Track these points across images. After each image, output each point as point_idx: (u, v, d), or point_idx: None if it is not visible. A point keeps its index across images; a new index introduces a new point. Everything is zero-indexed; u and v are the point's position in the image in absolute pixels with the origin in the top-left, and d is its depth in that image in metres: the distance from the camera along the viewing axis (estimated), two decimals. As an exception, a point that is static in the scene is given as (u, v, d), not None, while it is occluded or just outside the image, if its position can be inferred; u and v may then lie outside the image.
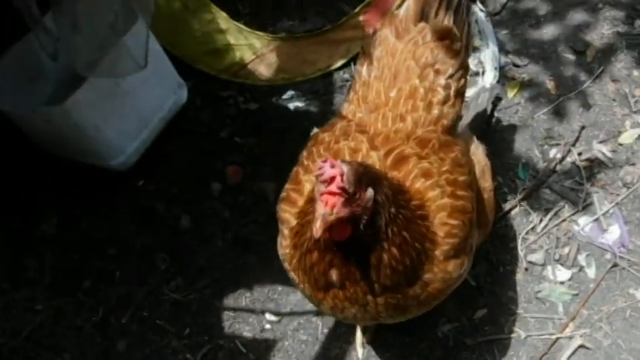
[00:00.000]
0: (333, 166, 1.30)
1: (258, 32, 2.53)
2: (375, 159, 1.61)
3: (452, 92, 1.76)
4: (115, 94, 2.11)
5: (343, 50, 2.57)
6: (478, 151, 1.90)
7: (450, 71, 1.77)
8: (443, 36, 1.79)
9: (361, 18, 2.55)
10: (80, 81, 2.08)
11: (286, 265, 1.64)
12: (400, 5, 1.88)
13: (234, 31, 2.50)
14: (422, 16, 1.81)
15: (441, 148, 1.66)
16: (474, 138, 1.94)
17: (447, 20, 1.81)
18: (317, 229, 1.29)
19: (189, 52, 2.49)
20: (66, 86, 2.19)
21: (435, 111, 1.72)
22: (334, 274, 1.48)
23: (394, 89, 1.74)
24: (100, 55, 1.94)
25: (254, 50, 2.51)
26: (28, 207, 2.39)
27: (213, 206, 2.31)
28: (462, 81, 1.81)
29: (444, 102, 1.74)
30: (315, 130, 1.82)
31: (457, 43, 1.81)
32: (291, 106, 2.50)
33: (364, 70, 1.80)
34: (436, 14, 1.81)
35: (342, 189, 1.29)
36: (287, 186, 1.70)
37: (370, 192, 1.36)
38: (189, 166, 2.39)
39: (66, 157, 2.33)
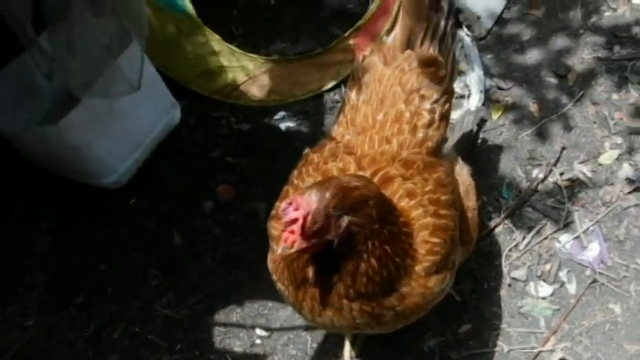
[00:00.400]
0: (297, 208, 1.38)
1: (250, 54, 2.61)
2: None
3: (436, 116, 1.83)
4: (108, 115, 2.17)
5: (333, 72, 2.65)
6: (463, 172, 1.98)
7: (435, 96, 1.85)
8: (428, 63, 1.87)
9: (351, 42, 2.64)
10: (74, 101, 2.14)
11: (274, 276, 1.71)
12: (389, 32, 1.96)
13: (227, 53, 2.58)
14: (408, 44, 1.89)
15: (425, 169, 1.74)
16: (459, 159, 2.02)
17: (432, 49, 1.89)
18: (278, 256, 1.36)
19: (183, 74, 2.56)
20: (60, 105, 2.24)
21: (420, 134, 1.79)
22: (310, 272, 1.54)
23: (381, 113, 1.81)
24: (95, 77, 2.00)
25: (246, 72, 2.59)
26: (19, 222, 2.43)
27: (205, 224, 2.37)
28: (447, 105, 1.89)
29: (429, 125, 1.81)
30: (307, 150, 1.90)
31: (442, 70, 1.89)
32: (283, 126, 2.57)
33: (353, 94, 1.88)
34: (422, 43, 1.89)
35: (303, 229, 1.38)
36: (277, 204, 1.77)
37: (344, 219, 1.43)
38: (182, 184, 2.45)
39: (59, 175, 2.39)
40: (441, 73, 1.89)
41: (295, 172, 1.80)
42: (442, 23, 1.91)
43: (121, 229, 2.38)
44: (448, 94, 1.90)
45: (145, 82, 2.08)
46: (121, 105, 2.15)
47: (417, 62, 1.87)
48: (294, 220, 1.38)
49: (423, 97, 1.83)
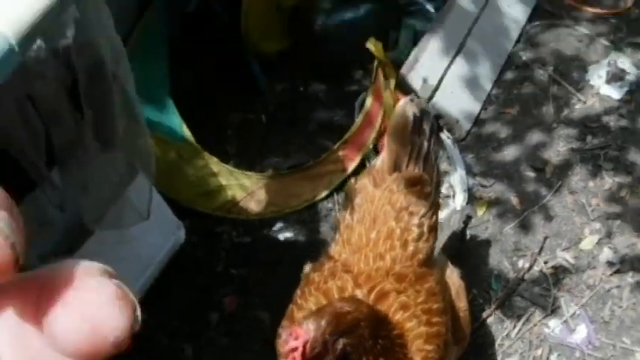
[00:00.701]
0: (296, 338, 1.54)
1: (247, 172, 2.82)
2: (360, 297, 1.84)
3: (425, 229, 2.01)
4: (119, 243, 2.35)
5: (326, 182, 2.85)
6: (453, 275, 2.15)
7: (423, 211, 2.03)
8: (414, 183, 2.06)
9: (340, 153, 2.85)
10: (87, 230, 2.32)
11: None
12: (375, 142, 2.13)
13: (225, 173, 2.78)
14: (395, 167, 2.09)
15: (417, 280, 1.90)
16: (449, 263, 2.18)
17: (417, 169, 2.09)
18: None
19: (185, 195, 2.76)
20: (73, 235, 2.43)
21: (411, 247, 1.96)
22: None
23: (374, 231, 1.99)
24: (106, 210, 2.19)
25: (244, 189, 2.79)
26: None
27: (212, 336, 2.51)
28: (434, 218, 2.07)
29: (419, 239, 1.99)
30: (307, 267, 2.06)
31: (427, 187, 2.08)
32: (281, 237, 2.75)
33: (347, 215, 2.07)
34: (407, 165, 2.09)
35: (303, 356, 1.53)
36: (283, 323, 1.93)
37: (340, 342, 1.59)
38: (188, 300, 2.60)
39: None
40: (427, 190, 2.07)
41: (299, 292, 1.96)
42: (425, 144, 2.12)
43: (133, 348, 2.51)
44: (434, 207, 2.09)
45: (152, 209, 2.26)
46: (131, 232, 2.31)
47: (404, 183, 2.06)
48: (295, 349, 1.54)
49: (411, 214, 2.01)
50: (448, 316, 1.92)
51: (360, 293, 1.84)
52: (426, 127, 2.12)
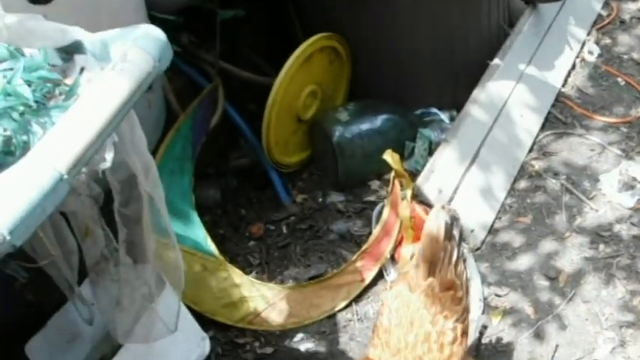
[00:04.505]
0: None
1: (268, 284, 3.10)
2: None
3: (458, 333, 2.29)
4: (147, 355, 2.60)
5: (344, 293, 3.12)
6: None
7: (456, 316, 2.30)
8: (447, 287, 2.34)
9: (358, 264, 3.13)
10: (115, 344, 2.57)
11: None
12: (392, 252, 2.41)
13: (247, 284, 3.06)
14: (429, 272, 2.36)
15: None
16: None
17: (449, 274, 2.36)
18: None
19: (209, 307, 3.03)
20: (102, 348, 2.69)
21: (447, 351, 2.23)
22: None
23: (412, 334, 2.25)
24: (135, 323, 2.46)
25: (266, 300, 3.05)
26: None
27: None
28: (466, 322, 2.35)
29: (453, 342, 2.26)
30: None
31: (459, 292, 2.36)
32: (302, 347, 2.99)
33: (384, 319, 2.33)
34: (440, 270, 2.36)
35: None
36: None
37: None
38: (215, 410, 2.85)
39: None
40: (459, 295, 2.35)
41: None
42: (455, 250, 2.40)
43: None
44: (466, 312, 2.36)
45: (179, 322, 2.53)
46: (159, 345, 2.56)
47: (438, 287, 2.32)
48: None
49: (446, 317, 2.28)
50: None
51: None
52: (456, 233, 2.41)
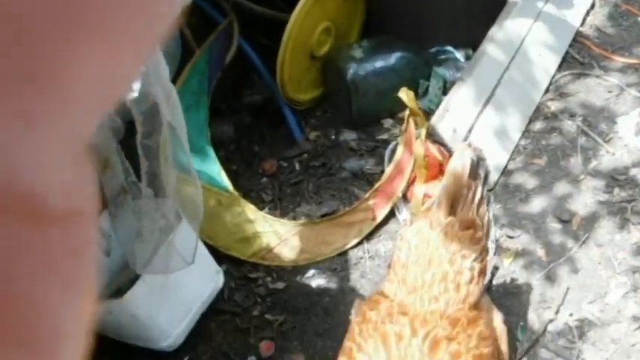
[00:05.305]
0: None
1: (281, 219, 3.14)
2: (414, 348, 2.07)
3: (476, 272, 2.29)
4: (165, 287, 2.66)
5: (356, 230, 3.16)
6: (497, 319, 2.41)
7: (474, 255, 2.30)
8: (468, 226, 2.34)
9: (370, 202, 3.16)
10: (133, 275, 2.64)
11: None
12: (404, 191, 2.43)
13: (260, 220, 3.10)
14: (451, 210, 2.36)
15: (468, 324, 2.15)
16: (493, 306, 2.45)
17: (470, 213, 2.37)
18: None
19: (223, 242, 3.07)
20: (119, 278, 2.75)
21: (463, 290, 2.23)
22: None
23: (429, 273, 2.25)
24: (153, 255, 2.51)
25: (278, 236, 3.10)
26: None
27: (251, 379, 2.82)
28: (484, 262, 2.36)
29: (470, 282, 2.26)
30: (358, 302, 2.30)
31: (479, 232, 2.36)
32: (314, 284, 3.05)
33: (403, 254, 2.32)
34: (462, 209, 2.37)
35: None
36: (340, 359, 2.13)
37: None
38: (227, 342, 2.91)
39: (119, 340, 2.86)
40: (478, 235, 2.35)
41: (356, 328, 2.16)
42: (479, 189, 2.40)
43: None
44: (485, 252, 2.37)
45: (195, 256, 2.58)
46: (175, 277, 2.63)
47: (458, 226, 2.33)
48: None
49: (464, 257, 2.28)
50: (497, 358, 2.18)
51: (415, 344, 2.10)
52: (482, 171, 2.41)
